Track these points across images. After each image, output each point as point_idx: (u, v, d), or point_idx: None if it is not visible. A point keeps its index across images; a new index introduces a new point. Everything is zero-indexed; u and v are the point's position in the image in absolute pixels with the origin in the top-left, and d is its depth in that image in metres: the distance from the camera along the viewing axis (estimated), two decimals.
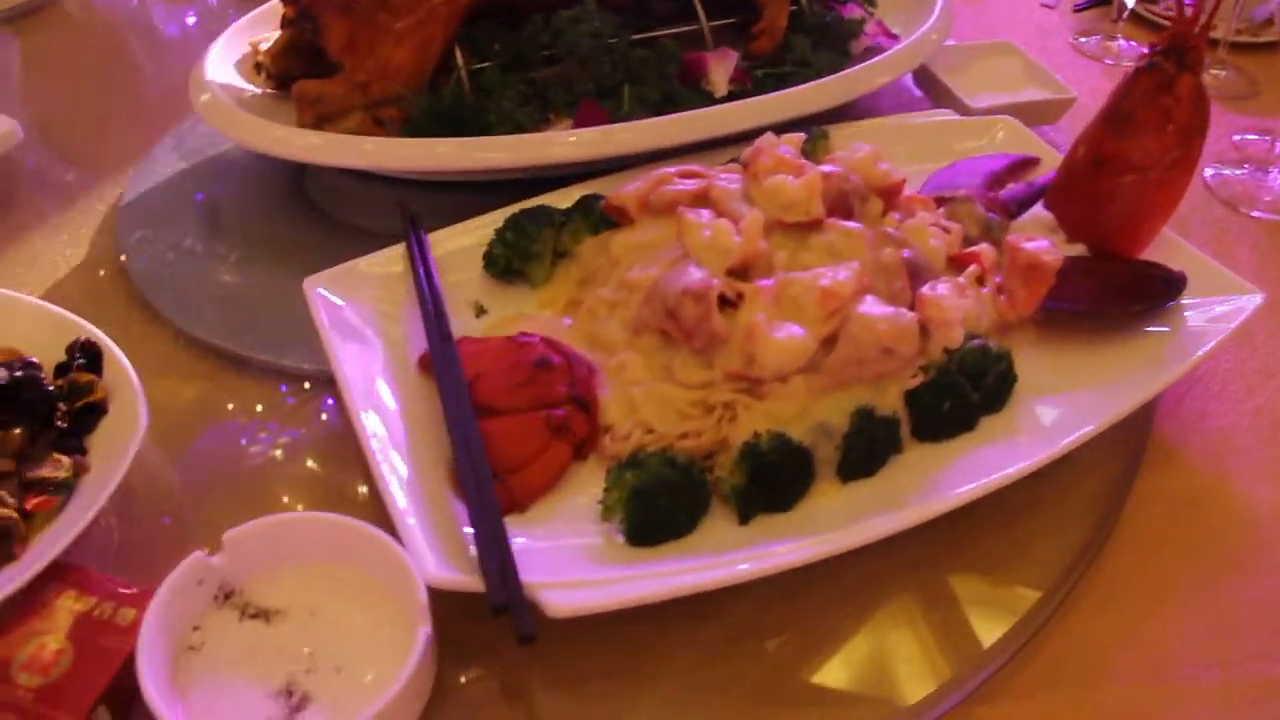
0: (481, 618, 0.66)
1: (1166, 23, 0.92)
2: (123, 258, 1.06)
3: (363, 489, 0.84)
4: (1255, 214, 1.17)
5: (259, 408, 0.91)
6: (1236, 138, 1.29)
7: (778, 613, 0.75)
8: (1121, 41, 1.46)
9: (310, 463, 0.88)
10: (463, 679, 0.71)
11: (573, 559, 0.73)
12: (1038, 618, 0.76)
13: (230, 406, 0.92)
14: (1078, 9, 1.60)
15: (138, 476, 0.84)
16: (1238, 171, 1.22)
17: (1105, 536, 0.82)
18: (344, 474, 0.86)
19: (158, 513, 0.84)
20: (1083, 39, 1.50)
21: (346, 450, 0.86)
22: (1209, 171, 1.21)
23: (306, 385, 0.93)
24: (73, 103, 1.42)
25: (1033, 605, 0.76)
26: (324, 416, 0.91)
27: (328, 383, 0.90)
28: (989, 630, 0.74)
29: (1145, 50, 0.94)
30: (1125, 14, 1.42)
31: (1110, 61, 1.44)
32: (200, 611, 0.71)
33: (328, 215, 1.09)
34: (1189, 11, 0.91)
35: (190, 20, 1.65)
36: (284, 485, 0.86)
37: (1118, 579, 0.80)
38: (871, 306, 0.80)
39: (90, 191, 1.18)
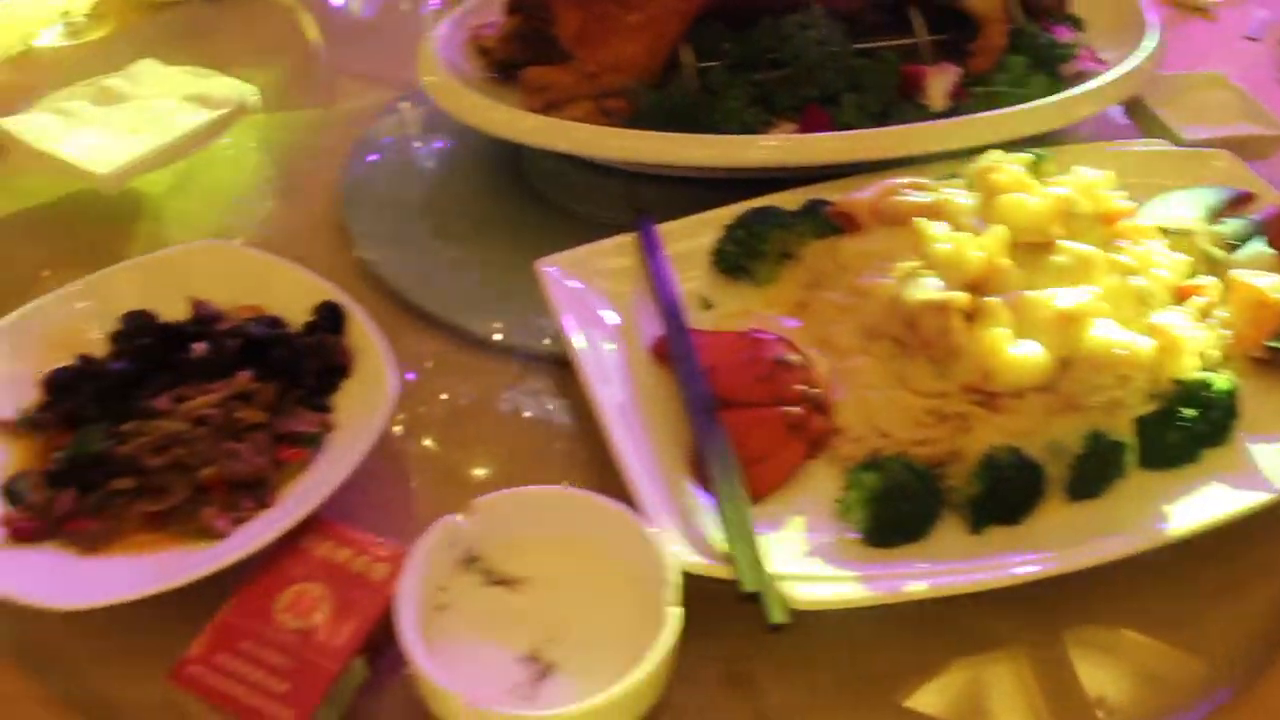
0: (711, 601, 0.68)
1: None
2: (349, 226, 1.11)
3: (589, 467, 0.86)
4: None
5: (484, 382, 0.95)
6: None
7: (1011, 623, 0.76)
8: None
9: (539, 440, 0.90)
10: (691, 660, 0.72)
11: (811, 553, 0.75)
12: (1249, 668, 0.75)
13: (455, 379, 0.95)
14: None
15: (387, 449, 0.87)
16: None
17: None
18: (573, 451, 0.88)
19: (398, 476, 0.88)
20: None
21: (572, 429, 0.89)
22: None
23: (529, 364, 0.96)
24: (304, 70, 1.49)
25: (1244, 654, 0.75)
26: (546, 395, 0.94)
27: (551, 362, 0.93)
28: (1198, 673, 0.75)
29: None
30: None
31: None
32: (446, 574, 0.73)
33: (545, 199, 1.12)
34: None
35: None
36: (513, 460, 0.89)
37: None
38: (1109, 330, 0.81)
39: (321, 157, 1.23)
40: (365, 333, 0.87)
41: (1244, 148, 1.12)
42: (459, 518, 0.73)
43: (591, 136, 1.03)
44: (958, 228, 0.88)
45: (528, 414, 0.92)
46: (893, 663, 0.74)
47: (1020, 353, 0.80)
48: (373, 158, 1.22)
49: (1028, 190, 0.89)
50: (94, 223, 1.14)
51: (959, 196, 0.91)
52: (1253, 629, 0.77)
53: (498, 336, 0.98)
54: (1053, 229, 0.87)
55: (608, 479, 0.78)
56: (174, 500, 0.79)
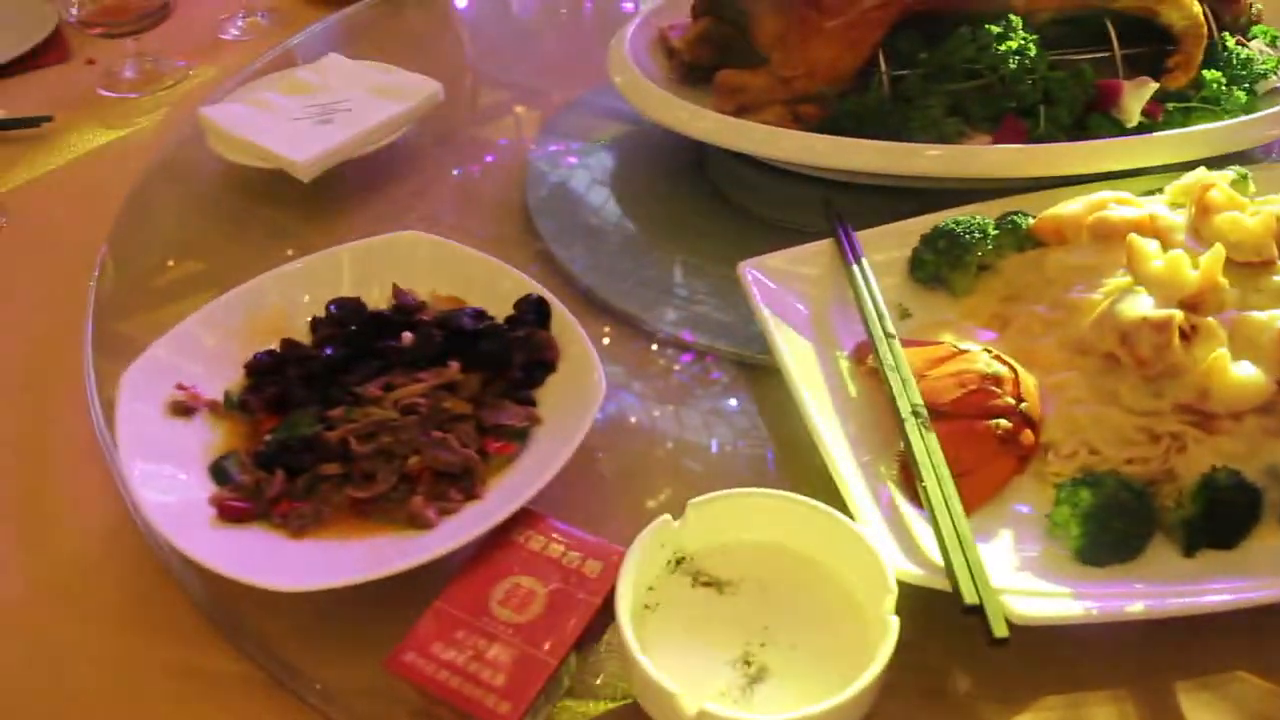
0: (914, 613, 0.68)
1: None
2: (536, 223, 1.13)
3: (786, 470, 0.87)
4: None
5: (675, 381, 0.96)
6: None
7: (1226, 651, 0.74)
8: None
9: (734, 442, 0.91)
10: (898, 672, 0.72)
11: (1023, 569, 0.75)
12: None
13: (646, 377, 0.96)
14: None
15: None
16: None
17: None
18: (767, 455, 0.89)
19: (597, 473, 0.88)
20: None
21: (764, 432, 0.90)
22: None
23: (721, 365, 0.97)
24: (487, 66, 1.53)
25: None
26: (741, 398, 0.94)
27: (742, 365, 0.94)
28: None
29: None
30: None
31: None
32: (655, 574, 0.73)
33: (730, 202, 1.13)
34: None
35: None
36: (708, 462, 0.90)
37: None
38: None
39: (502, 152, 1.27)
40: (570, 327, 0.88)
41: None
42: (672, 519, 0.73)
43: (768, 137, 1.04)
44: (1168, 245, 0.87)
45: (723, 416, 0.93)
46: (1094, 679, 0.73)
47: (1241, 373, 0.78)
48: (558, 153, 1.24)
49: (1242, 209, 0.87)
50: (286, 208, 1.17)
51: (1169, 214, 0.90)
52: None
53: (689, 336, 0.99)
54: (1268, 248, 0.85)
55: (807, 484, 0.77)
56: (381, 488, 0.80)
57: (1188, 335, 0.81)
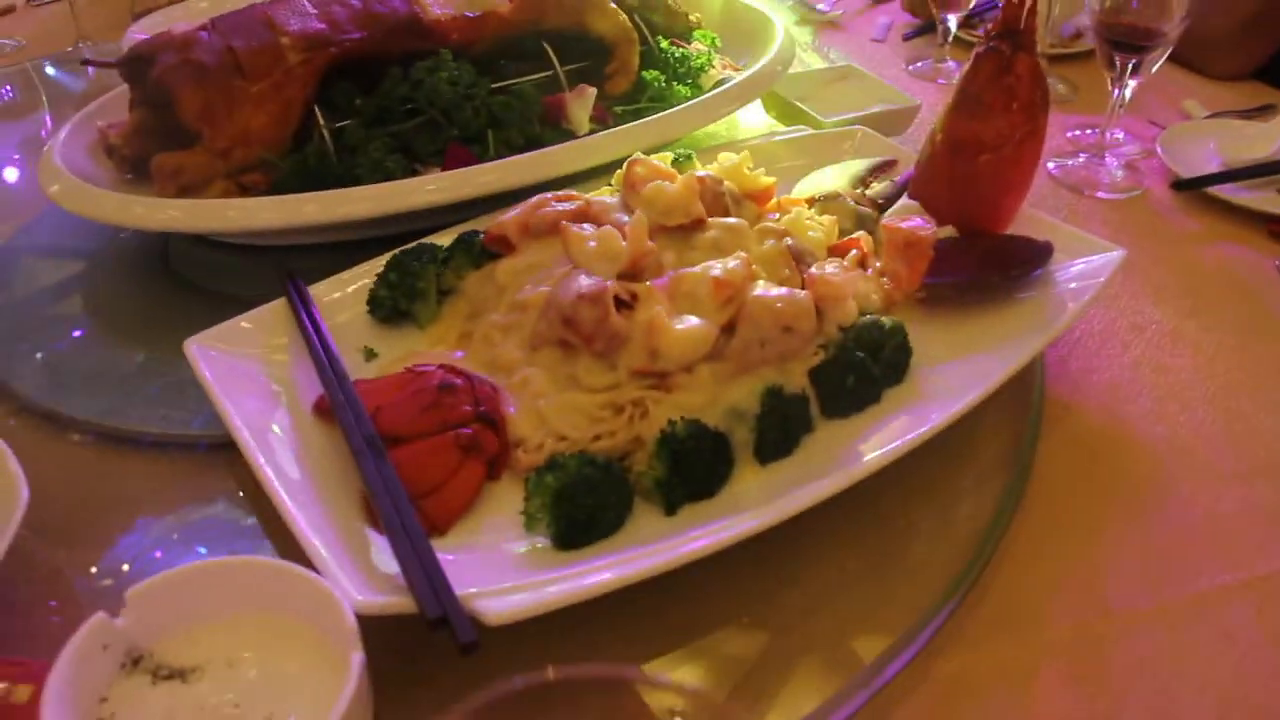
0: (412, 652, 0.65)
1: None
2: None
3: (257, 536, 0.80)
4: (1100, 195, 1.24)
5: (149, 479, 0.87)
6: (1070, 134, 1.38)
7: (720, 602, 0.73)
8: (950, 63, 1.54)
9: (212, 527, 0.83)
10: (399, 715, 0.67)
11: (502, 569, 0.71)
12: (971, 573, 0.76)
13: (119, 481, 0.87)
14: (906, 38, 1.69)
15: (17, 563, 0.76)
16: (1077, 161, 1.29)
17: (1022, 490, 0.83)
18: (253, 530, 0.81)
19: (43, 596, 0.78)
20: (914, 65, 1.58)
21: (251, 508, 0.82)
22: (1051, 164, 1.28)
23: (194, 449, 0.88)
24: None
25: (964, 565, 0.76)
26: (221, 477, 0.86)
27: (216, 446, 0.86)
28: (928, 589, 0.74)
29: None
30: (950, 38, 1.50)
31: (942, 81, 1.52)
32: (106, 681, 0.64)
33: (198, 287, 1.05)
34: None
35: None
36: (183, 549, 0.81)
37: (1043, 528, 0.81)
38: (765, 289, 0.81)
39: None
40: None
41: (881, 124, 1.18)
42: (109, 615, 0.65)
43: (241, 213, 0.97)
44: (604, 225, 0.87)
45: (188, 499, 0.85)
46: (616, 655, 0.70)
47: (681, 326, 0.79)
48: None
49: (668, 178, 0.90)
50: None
51: (605, 199, 0.91)
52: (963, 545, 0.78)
53: (149, 428, 0.90)
54: (694, 208, 0.87)
55: (281, 543, 0.73)
56: None
57: (629, 303, 0.81)
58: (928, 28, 1.67)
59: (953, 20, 1.48)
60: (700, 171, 0.91)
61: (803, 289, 0.83)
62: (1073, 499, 0.84)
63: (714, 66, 1.19)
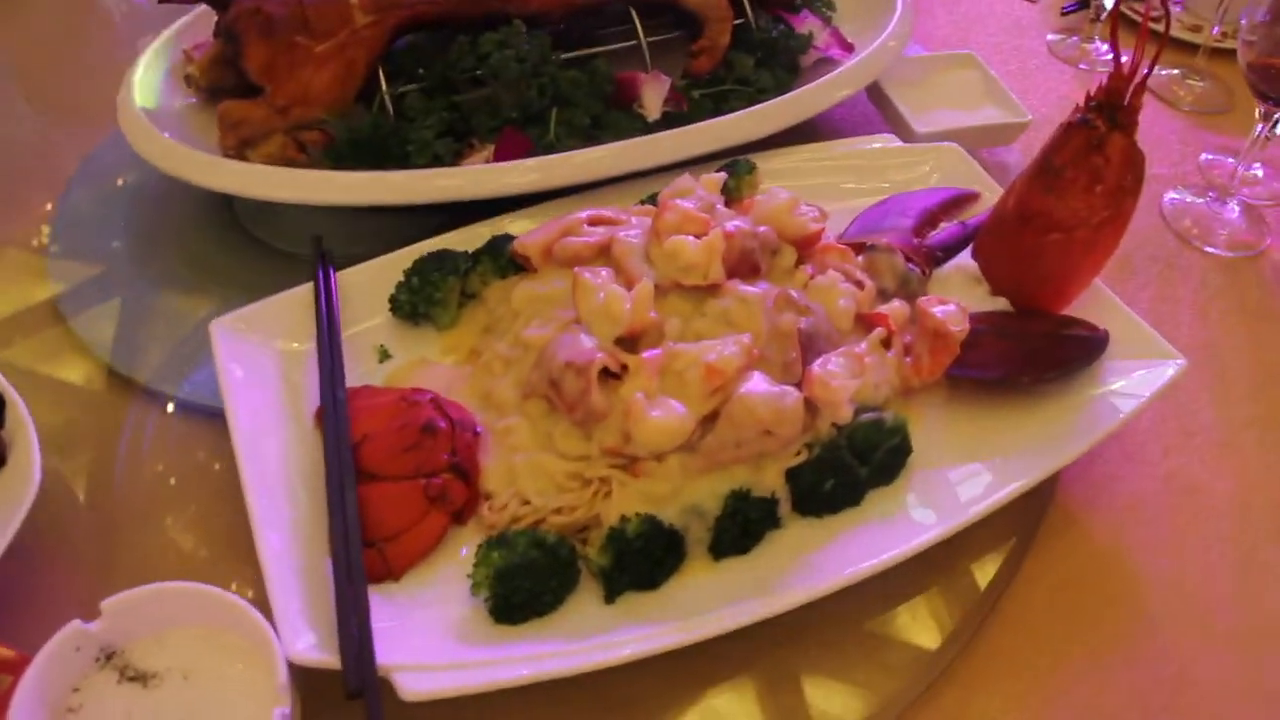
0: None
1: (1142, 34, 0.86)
2: (53, 285, 1.06)
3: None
4: (1207, 249, 1.13)
5: (196, 451, 0.92)
6: (1204, 158, 1.24)
7: (645, 687, 0.76)
8: (1099, 45, 1.39)
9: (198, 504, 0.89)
10: None
11: (436, 637, 0.74)
12: (909, 694, 0.77)
13: (154, 446, 0.93)
14: (1065, 12, 1.50)
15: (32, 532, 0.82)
16: (1198, 200, 1.18)
17: (988, 610, 0.81)
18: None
19: (55, 565, 0.85)
20: (1057, 36, 1.43)
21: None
22: (1169, 196, 1.17)
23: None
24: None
25: (903, 684, 0.77)
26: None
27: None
28: (859, 707, 0.75)
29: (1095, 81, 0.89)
30: (1105, 15, 1.34)
31: (1084, 66, 1.38)
32: (81, 673, 0.71)
33: (256, 239, 1.08)
34: (1125, 63, 0.87)
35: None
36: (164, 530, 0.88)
37: (1001, 655, 0.79)
38: (755, 385, 0.79)
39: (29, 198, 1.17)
40: (23, 421, 0.85)
41: (984, 137, 1.09)
42: (83, 623, 0.71)
43: (264, 179, 0.97)
44: (623, 272, 0.86)
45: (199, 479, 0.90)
46: None
47: (659, 415, 0.78)
48: (81, 195, 1.17)
49: (695, 229, 0.86)
50: None
51: (630, 236, 0.88)
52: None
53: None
54: (714, 271, 0.85)
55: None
56: None
57: (619, 375, 0.81)
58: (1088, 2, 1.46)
59: None
60: (733, 224, 0.87)
61: (799, 385, 0.81)
62: (1040, 628, 0.81)
63: (815, 47, 1.11)
